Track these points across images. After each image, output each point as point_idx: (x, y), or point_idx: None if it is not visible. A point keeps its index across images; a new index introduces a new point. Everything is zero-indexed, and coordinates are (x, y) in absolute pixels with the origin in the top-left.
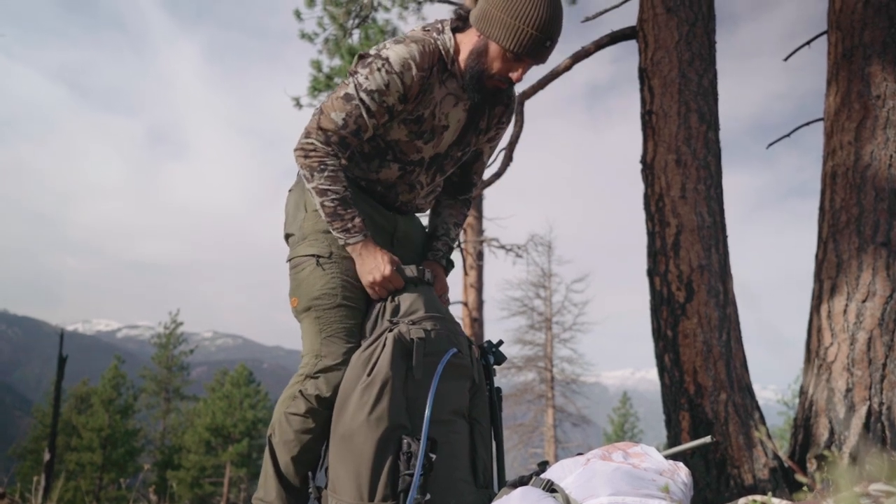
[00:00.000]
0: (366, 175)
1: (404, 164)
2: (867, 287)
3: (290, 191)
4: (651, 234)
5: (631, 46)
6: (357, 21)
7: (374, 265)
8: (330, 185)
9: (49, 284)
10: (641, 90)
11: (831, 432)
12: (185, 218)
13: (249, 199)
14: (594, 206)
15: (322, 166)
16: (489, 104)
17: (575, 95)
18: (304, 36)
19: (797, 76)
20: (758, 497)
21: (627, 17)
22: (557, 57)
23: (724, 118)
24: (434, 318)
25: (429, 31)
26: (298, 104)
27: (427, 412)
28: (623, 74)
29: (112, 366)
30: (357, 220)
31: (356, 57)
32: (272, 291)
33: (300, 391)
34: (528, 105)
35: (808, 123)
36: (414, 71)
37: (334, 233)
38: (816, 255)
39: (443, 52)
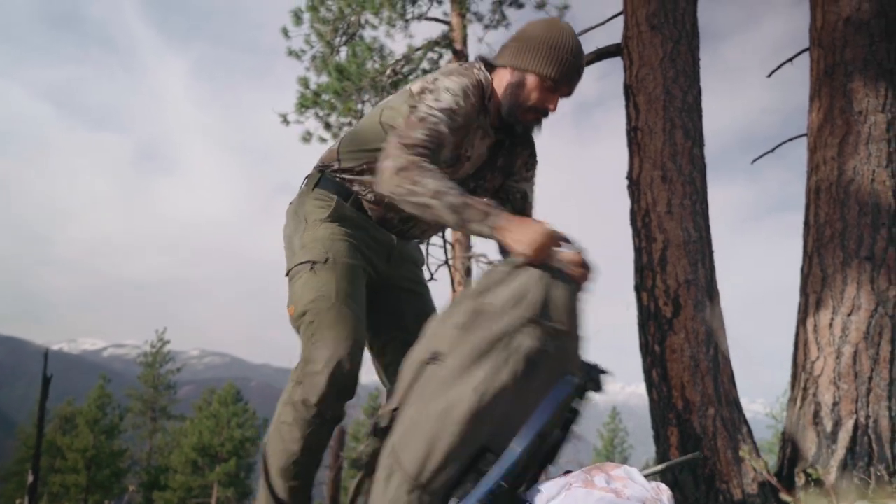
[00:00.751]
0: (372, 191)
1: None
2: (852, 301)
3: (287, 213)
4: (638, 250)
5: (617, 63)
6: (344, 39)
7: (529, 228)
8: (441, 182)
9: (34, 303)
10: (627, 107)
11: (819, 446)
12: (174, 235)
13: (238, 216)
14: (582, 221)
15: (421, 171)
16: (513, 145)
17: (562, 111)
18: (291, 53)
19: (783, 91)
20: None
21: (613, 34)
22: None
23: (710, 133)
24: (569, 333)
25: (468, 67)
26: (286, 121)
27: (521, 447)
28: (610, 91)
29: (97, 385)
30: (486, 199)
31: (409, 93)
32: (260, 309)
33: (289, 397)
34: None
35: (792, 139)
36: (472, 99)
37: (475, 226)
38: (802, 269)
39: (484, 85)
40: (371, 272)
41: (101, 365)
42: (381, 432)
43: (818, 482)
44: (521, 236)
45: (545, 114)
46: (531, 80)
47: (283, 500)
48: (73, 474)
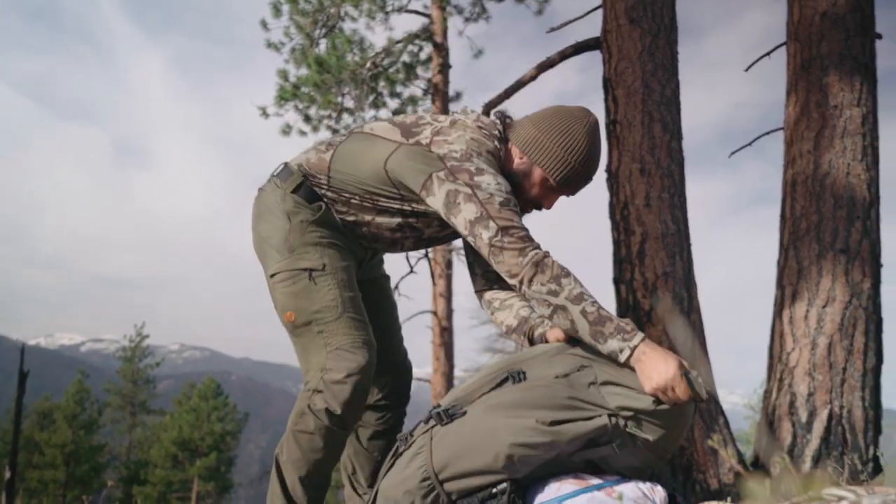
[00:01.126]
0: (356, 216)
1: (406, 228)
2: (827, 293)
3: (259, 194)
4: (616, 243)
5: (597, 57)
6: (324, 31)
7: (663, 367)
8: (583, 288)
9: (10, 298)
10: (606, 100)
11: (794, 436)
12: (152, 229)
13: (218, 210)
14: (563, 215)
15: (565, 271)
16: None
17: (543, 105)
18: (270, 45)
19: (761, 86)
20: (716, 503)
21: (592, 27)
22: (523, 66)
23: (690, 127)
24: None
25: (485, 130)
26: (265, 113)
27: None
28: (590, 84)
29: (76, 380)
30: (623, 320)
31: (426, 153)
32: (241, 303)
33: (308, 406)
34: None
35: (769, 132)
36: (493, 159)
37: (603, 346)
38: (778, 262)
39: (500, 157)
40: (356, 273)
41: (79, 360)
42: (437, 417)
43: (790, 471)
44: (654, 374)
45: (539, 209)
46: (538, 174)
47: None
48: (51, 470)
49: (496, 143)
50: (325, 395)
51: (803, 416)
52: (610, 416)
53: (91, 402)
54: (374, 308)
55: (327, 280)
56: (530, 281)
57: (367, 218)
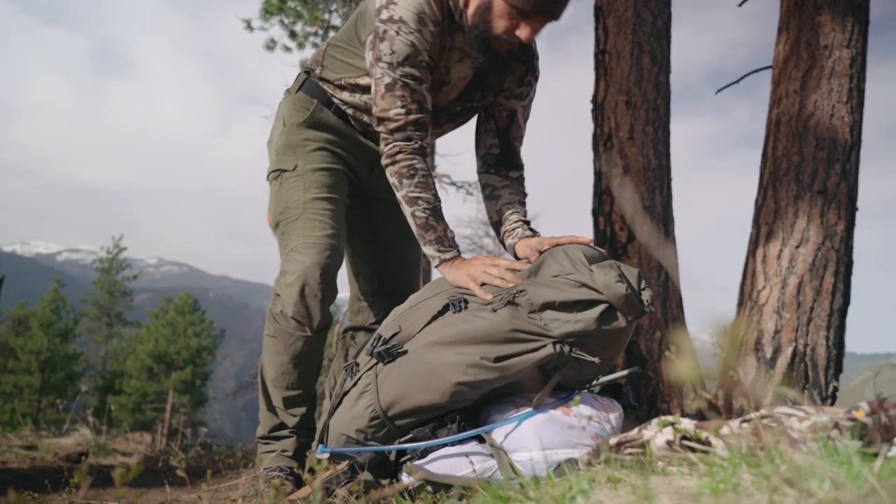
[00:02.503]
0: (357, 102)
1: None
2: (801, 233)
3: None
4: (597, 174)
5: None
6: None
7: (452, 276)
8: (420, 193)
9: None
10: (596, 29)
11: (757, 371)
12: (132, 141)
13: (200, 125)
14: (550, 148)
15: (411, 171)
16: (505, 63)
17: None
18: None
19: (755, 24)
20: (668, 417)
21: None
22: None
23: (679, 65)
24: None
25: None
26: (250, 27)
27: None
28: (583, 16)
29: (52, 289)
30: (449, 232)
31: (370, 40)
32: (221, 221)
33: (270, 310)
34: None
35: (756, 70)
36: (431, 26)
37: (424, 247)
38: (756, 201)
39: (450, 2)
40: (352, 177)
41: (56, 269)
42: (378, 356)
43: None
44: (457, 275)
45: (518, 42)
46: (498, 4)
47: (280, 409)
48: (26, 375)
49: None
50: (280, 298)
51: (768, 353)
52: (555, 343)
53: (67, 312)
54: (373, 228)
55: (295, 181)
56: (385, 169)
57: (359, 100)
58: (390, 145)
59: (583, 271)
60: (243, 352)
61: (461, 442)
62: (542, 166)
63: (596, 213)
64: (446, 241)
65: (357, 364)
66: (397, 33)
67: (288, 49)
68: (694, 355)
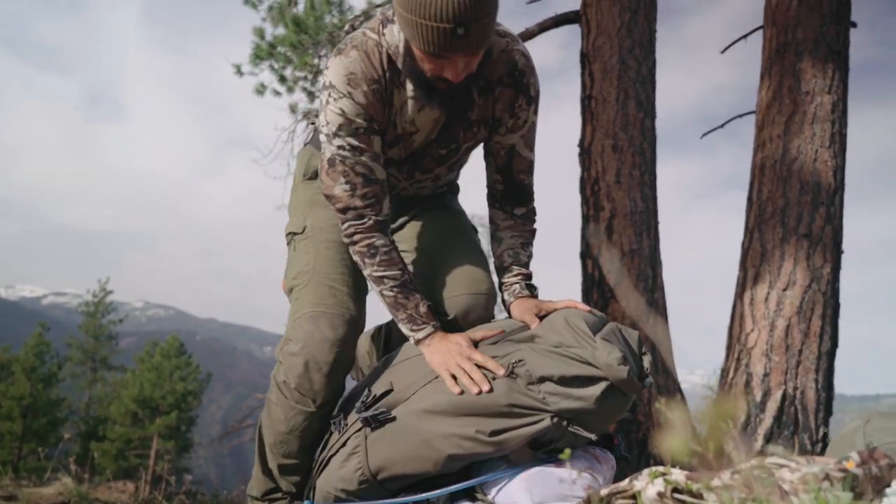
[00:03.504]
0: None
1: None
2: (788, 276)
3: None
4: (585, 218)
5: (579, 32)
6: None
7: (438, 360)
8: (385, 271)
9: None
10: (582, 74)
11: (748, 414)
12: (120, 184)
13: (188, 167)
14: (538, 189)
15: (371, 250)
16: (488, 90)
17: None
18: (247, 2)
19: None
20: (659, 468)
21: (573, 1)
22: None
23: (667, 108)
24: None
25: (374, 28)
26: (239, 72)
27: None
28: (572, 60)
29: (35, 333)
30: (422, 307)
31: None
32: (208, 263)
33: (274, 374)
34: None
35: (740, 115)
36: (364, 86)
37: (399, 325)
38: (743, 244)
39: (390, 51)
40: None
41: (40, 313)
42: (365, 422)
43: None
44: (433, 359)
45: (449, 83)
46: (415, 50)
47: (275, 474)
48: (7, 422)
49: (370, 44)
50: (284, 367)
51: (758, 396)
52: (552, 417)
53: (51, 356)
54: (408, 240)
55: (306, 243)
56: (351, 242)
57: None
58: (345, 225)
59: (584, 345)
60: (230, 396)
61: (452, 497)
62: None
63: (584, 256)
64: (419, 319)
65: (345, 420)
66: (328, 101)
67: (278, 93)
68: (687, 428)
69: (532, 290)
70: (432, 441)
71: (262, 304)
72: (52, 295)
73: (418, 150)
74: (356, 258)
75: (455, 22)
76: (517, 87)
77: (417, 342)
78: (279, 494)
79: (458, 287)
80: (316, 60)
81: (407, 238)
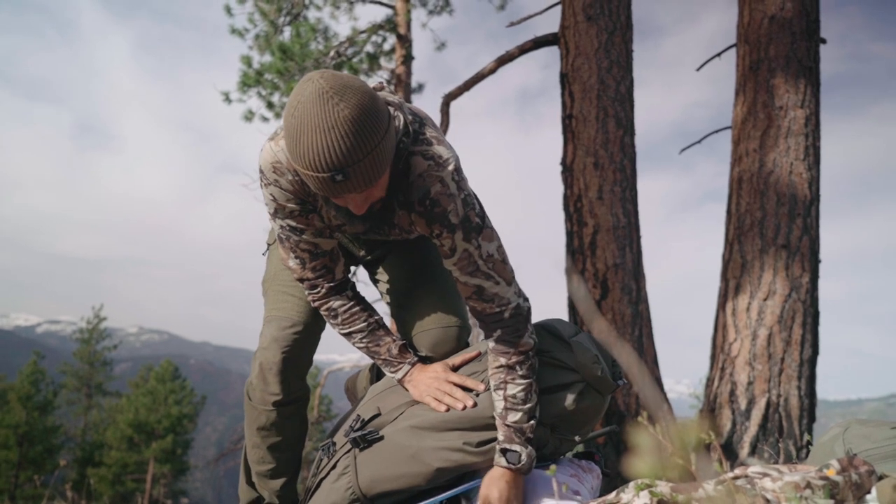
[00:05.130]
0: None
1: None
2: (768, 286)
3: None
4: (569, 234)
5: (558, 53)
6: (288, 18)
7: (417, 393)
8: (350, 328)
9: None
10: (562, 95)
11: (734, 423)
12: (113, 212)
13: (179, 194)
14: (523, 208)
15: (332, 313)
16: (402, 208)
17: (506, 100)
18: (234, 31)
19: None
20: (645, 480)
21: (553, 23)
22: (487, 60)
23: (647, 125)
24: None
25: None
26: (228, 99)
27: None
28: (553, 80)
29: (31, 361)
30: (394, 348)
31: None
32: (200, 287)
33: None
34: (459, 106)
35: (717, 131)
36: (289, 175)
37: (383, 369)
38: (723, 256)
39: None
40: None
41: (35, 341)
42: (354, 443)
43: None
44: (415, 392)
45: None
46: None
47: (256, 483)
48: (3, 450)
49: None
50: (253, 366)
51: (742, 404)
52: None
53: (46, 384)
54: (396, 270)
55: (272, 252)
56: (317, 307)
57: None
58: (305, 292)
59: (561, 348)
60: (224, 418)
61: None
62: (517, 225)
63: (569, 271)
64: (394, 361)
65: (334, 444)
66: (260, 185)
67: (266, 119)
68: (656, 451)
69: (504, 456)
70: (421, 455)
71: (255, 326)
72: (47, 323)
73: (360, 233)
74: (327, 320)
75: (331, 170)
76: (429, 216)
77: (399, 382)
78: None
79: (428, 323)
80: None
81: (385, 272)
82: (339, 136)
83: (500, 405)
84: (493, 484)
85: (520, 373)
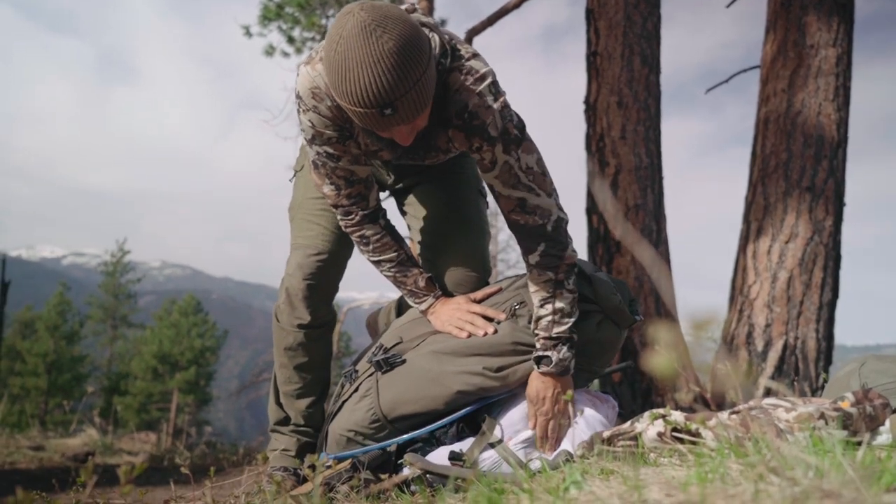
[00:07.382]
0: None
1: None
2: (791, 229)
3: None
4: (591, 173)
5: None
6: None
7: (439, 323)
8: (380, 256)
9: None
10: (588, 31)
11: (749, 365)
12: (135, 146)
13: (202, 130)
14: (544, 148)
15: (364, 240)
16: (439, 125)
17: (531, 38)
18: None
19: (745, 24)
20: (659, 410)
21: None
22: None
23: (673, 66)
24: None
25: (312, 62)
26: (248, 33)
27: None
28: (579, 17)
29: (57, 292)
30: (421, 280)
31: None
32: (222, 223)
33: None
34: (483, 43)
35: (745, 70)
36: (328, 101)
37: (406, 299)
38: (746, 198)
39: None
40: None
41: (61, 273)
42: (377, 366)
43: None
44: (437, 322)
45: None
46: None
47: (284, 403)
48: (33, 377)
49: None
50: (281, 289)
51: (759, 346)
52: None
53: (73, 315)
54: (426, 204)
55: (300, 180)
56: (349, 234)
57: None
58: (338, 218)
59: (581, 282)
60: (246, 352)
61: (459, 431)
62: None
63: (590, 211)
64: (419, 293)
65: (356, 370)
66: (298, 111)
67: (286, 54)
68: (677, 349)
69: (538, 364)
70: (441, 378)
71: (277, 263)
72: (72, 255)
73: (393, 162)
74: (357, 246)
75: (379, 106)
76: (468, 129)
77: (422, 313)
78: (286, 430)
79: (454, 264)
80: (324, 21)
81: (414, 204)
82: (385, 70)
83: (546, 319)
84: (532, 383)
85: (568, 287)
